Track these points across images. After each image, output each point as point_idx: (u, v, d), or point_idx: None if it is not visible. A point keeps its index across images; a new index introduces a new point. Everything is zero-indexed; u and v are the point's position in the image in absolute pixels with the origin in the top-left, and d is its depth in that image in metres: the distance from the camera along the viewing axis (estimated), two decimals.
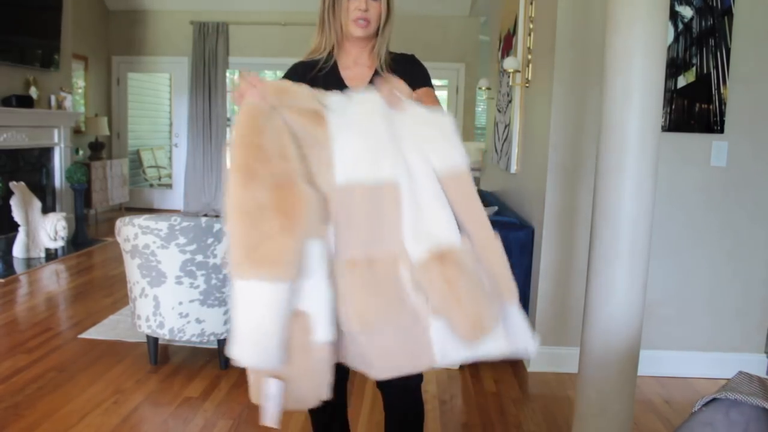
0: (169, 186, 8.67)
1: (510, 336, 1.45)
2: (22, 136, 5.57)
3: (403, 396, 1.74)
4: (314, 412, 1.85)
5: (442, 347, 1.43)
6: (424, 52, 1.71)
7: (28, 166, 5.81)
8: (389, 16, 1.69)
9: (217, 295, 2.90)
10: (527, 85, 3.58)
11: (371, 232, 1.40)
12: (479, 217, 1.43)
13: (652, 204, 1.94)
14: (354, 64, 1.72)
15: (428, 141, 1.41)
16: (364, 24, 1.63)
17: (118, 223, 2.97)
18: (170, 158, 8.66)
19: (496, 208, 3.77)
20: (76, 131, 6.97)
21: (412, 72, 1.69)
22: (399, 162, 1.39)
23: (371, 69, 1.71)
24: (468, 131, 8.19)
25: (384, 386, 1.74)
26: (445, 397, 2.84)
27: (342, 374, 1.82)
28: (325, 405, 1.82)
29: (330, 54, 1.71)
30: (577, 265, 3.09)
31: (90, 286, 4.50)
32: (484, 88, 4.96)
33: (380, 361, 1.45)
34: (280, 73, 1.83)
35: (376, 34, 1.68)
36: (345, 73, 1.71)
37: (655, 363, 3.09)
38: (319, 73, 1.70)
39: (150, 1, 7.99)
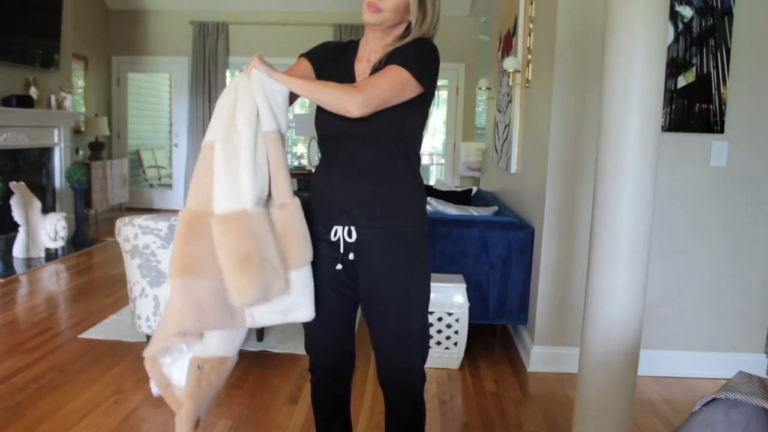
0: (169, 186, 8.67)
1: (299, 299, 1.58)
2: (22, 136, 5.57)
3: (405, 396, 1.74)
4: (317, 410, 1.85)
5: (250, 310, 1.56)
6: None
7: (28, 166, 5.81)
8: (424, 18, 1.60)
9: None
10: (527, 85, 3.58)
11: (197, 187, 1.55)
12: (281, 180, 1.56)
13: (652, 204, 1.94)
14: (367, 58, 1.66)
15: (262, 104, 1.54)
16: (374, 9, 1.57)
17: (118, 223, 2.97)
18: (170, 158, 8.66)
19: (496, 208, 3.77)
20: (76, 131, 6.97)
21: (397, 51, 1.59)
22: (221, 126, 1.53)
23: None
24: (468, 131, 8.19)
25: (386, 386, 1.74)
26: (445, 397, 2.84)
27: (345, 373, 1.83)
28: (327, 402, 1.83)
29: (354, 42, 1.72)
30: (577, 265, 3.09)
31: (90, 286, 4.50)
32: (484, 88, 4.96)
33: (193, 313, 1.52)
34: None
35: (396, 26, 1.62)
36: (357, 66, 1.67)
37: (655, 363, 3.09)
38: (342, 56, 1.68)
39: (150, 1, 7.99)
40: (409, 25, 1.64)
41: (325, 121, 1.64)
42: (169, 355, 1.66)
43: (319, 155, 1.73)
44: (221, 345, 1.62)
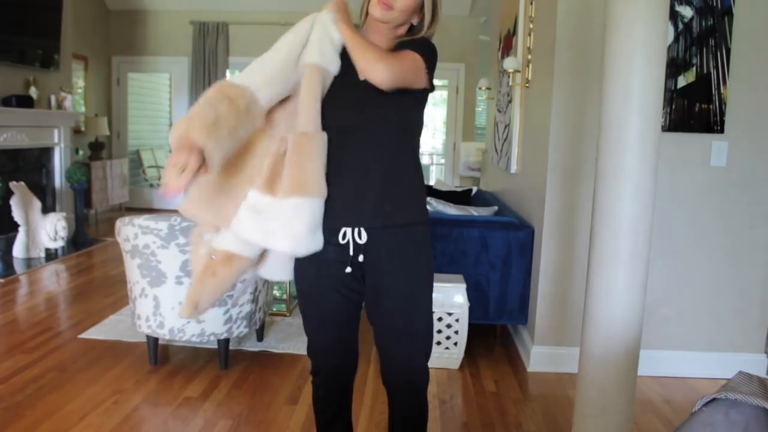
0: None
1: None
2: (22, 136, 5.57)
3: (409, 396, 1.74)
4: (319, 413, 1.85)
5: (237, 214, 1.60)
6: None
7: (28, 166, 5.81)
8: (434, 21, 1.63)
9: None
10: (527, 85, 3.58)
11: None
12: (307, 109, 1.58)
13: (652, 204, 1.94)
14: None
15: (314, 39, 1.61)
16: (386, 7, 1.57)
17: (118, 223, 2.97)
18: None
19: (496, 208, 3.77)
20: (76, 131, 6.97)
21: (407, 43, 1.62)
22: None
23: None
24: (468, 131, 8.19)
25: (391, 386, 1.74)
26: (445, 397, 2.84)
27: (347, 375, 1.82)
28: (329, 404, 1.83)
29: None
30: (577, 265, 3.09)
31: (90, 286, 4.50)
32: (484, 88, 4.97)
33: (192, 188, 1.61)
34: None
35: (400, 26, 1.62)
36: None
37: (655, 363, 3.09)
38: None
39: (150, 1, 7.99)
40: (412, 26, 1.65)
41: (331, 114, 1.62)
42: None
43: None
44: (233, 243, 1.62)
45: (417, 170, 1.68)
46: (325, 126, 1.63)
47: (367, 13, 1.64)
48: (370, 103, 1.56)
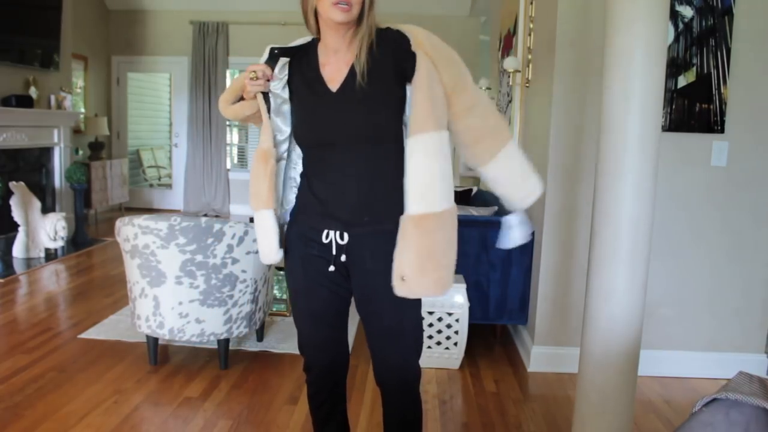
0: (169, 186, 8.67)
1: None
2: (21, 136, 5.57)
3: (402, 395, 1.74)
4: (313, 410, 1.86)
5: None
6: None
7: (28, 166, 5.81)
8: (372, 2, 1.54)
9: (216, 295, 2.89)
10: (527, 85, 3.58)
11: None
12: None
13: (653, 204, 1.94)
14: (334, 57, 1.59)
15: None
16: (346, 8, 1.48)
17: (118, 223, 2.97)
18: (170, 158, 8.66)
19: (496, 208, 3.77)
20: (76, 131, 6.98)
21: (397, 60, 1.54)
22: None
23: (347, 65, 1.58)
24: None
25: (384, 385, 1.75)
26: (445, 397, 2.84)
27: (340, 371, 1.83)
28: (323, 402, 1.83)
29: (311, 44, 1.65)
30: (577, 265, 3.09)
31: (90, 286, 4.50)
32: (484, 88, 4.97)
33: None
34: None
35: (358, 19, 1.54)
36: (324, 71, 1.60)
37: (655, 363, 3.09)
38: (300, 64, 1.62)
39: (150, 1, 7.99)
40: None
41: (306, 131, 1.61)
42: None
43: (303, 161, 1.67)
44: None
45: (398, 176, 1.60)
46: (304, 143, 1.64)
47: (316, 21, 1.57)
48: (343, 116, 1.54)
